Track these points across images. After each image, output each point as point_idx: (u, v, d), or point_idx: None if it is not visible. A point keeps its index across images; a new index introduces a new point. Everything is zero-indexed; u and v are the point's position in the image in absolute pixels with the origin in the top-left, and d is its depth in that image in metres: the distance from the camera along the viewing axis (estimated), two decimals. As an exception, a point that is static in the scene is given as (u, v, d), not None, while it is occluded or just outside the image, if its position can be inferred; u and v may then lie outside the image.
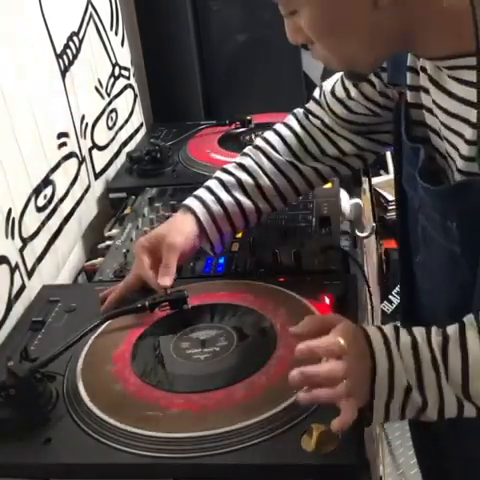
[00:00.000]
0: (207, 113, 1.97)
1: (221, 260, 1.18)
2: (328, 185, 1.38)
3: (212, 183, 1.12)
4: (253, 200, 1.10)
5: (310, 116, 1.15)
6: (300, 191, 1.14)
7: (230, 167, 1.13)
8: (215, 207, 1.08)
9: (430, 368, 0.76)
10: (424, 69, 0.84)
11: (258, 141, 1.15)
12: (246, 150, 1.15)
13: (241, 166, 1.12)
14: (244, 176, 1.11)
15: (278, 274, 1.10)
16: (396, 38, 0.78)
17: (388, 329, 0.79)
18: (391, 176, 2.52)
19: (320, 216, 1.26)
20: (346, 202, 1.35)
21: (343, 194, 1.37)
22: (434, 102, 0.83)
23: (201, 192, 1.11)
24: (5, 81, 1.14)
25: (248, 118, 1.73)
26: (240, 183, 1.10)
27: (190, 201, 1.10)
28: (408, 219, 0.97)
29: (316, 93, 1.16)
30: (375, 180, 2.31)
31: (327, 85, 1.13)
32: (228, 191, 1.10)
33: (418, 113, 0.88)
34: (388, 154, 2.53)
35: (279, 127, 1.16)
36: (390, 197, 2.38)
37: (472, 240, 0.79)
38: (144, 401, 0.85)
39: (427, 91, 0.85)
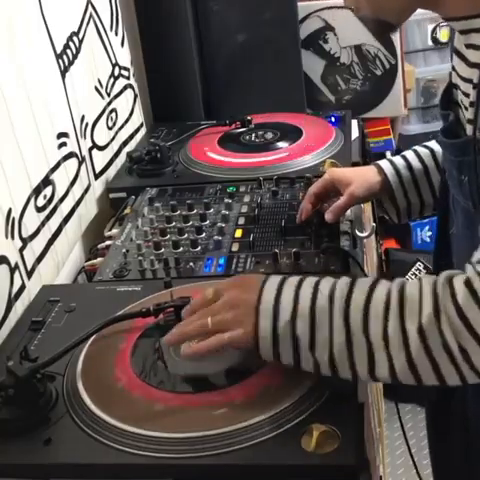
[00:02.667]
0: (207, 113, 1.97)
1: (221, 260, 1.18)
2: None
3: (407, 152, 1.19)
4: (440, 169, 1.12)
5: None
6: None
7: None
8: (404, 170, 1.16)
9: (325, 298, 0.78)
10: (455, 48, 0.89)
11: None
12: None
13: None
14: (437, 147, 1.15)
15: (278, 274, 1.10)
16: None
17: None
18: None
19: (320, 216, 1.26)
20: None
21: (343, 194, 1.37)
22: (456, 73, 0.88)
23: (395, 158, 1.20)
24: (5, 81, 1.14)
25: (248, 118, 1.73)
26: (433, 153, 1.16)
27: (381, 162, 1.19)
28: (447, 198, 0.99)
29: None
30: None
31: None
32: (420, 160, 1.16)
33: (454, 93, 0.92)
34: (388, 154, 2.53)
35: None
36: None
37: None
38: (144, 401, 0.85)
39: (454, 68, 0.90)
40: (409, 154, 1.19)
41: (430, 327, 0.73)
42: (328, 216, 1.19)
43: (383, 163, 1.19)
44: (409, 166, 1.17)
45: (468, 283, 0.73)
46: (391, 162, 1.19)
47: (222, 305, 0.84)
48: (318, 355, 0.78)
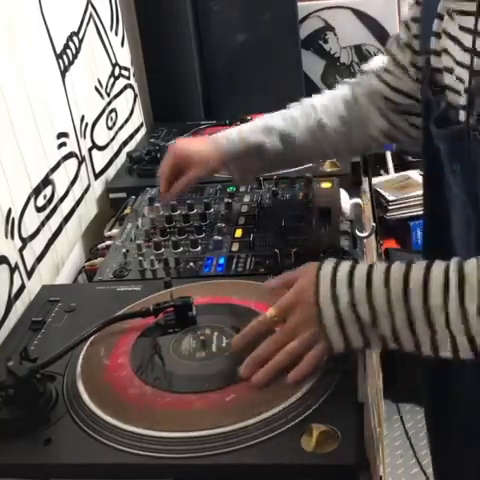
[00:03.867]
0: (207, 113, 1.97)
1: (221, 260, 1.18)
2: (328, 185, 1.39)
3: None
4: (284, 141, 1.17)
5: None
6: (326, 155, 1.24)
7: (277, 115, 1.23)
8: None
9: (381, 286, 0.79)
10: (445, 31, 0.87)
11: (314, 100, 1.21)
12: (304, 104, 1.21)
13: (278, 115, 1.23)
14: (279, 123, 1.19)
15: (278, 274, 1.10)
16: None
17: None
18: (391, 176, 2.52)
19: (320, 216, 1.26)
20: (346, 202, 1.35)
21: (343, 194, 1.37)
22: (452, 57, 0.86)
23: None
24: (5, 81, 1.14)
25: (248, 118, 1.72)
26: (273, 127, 1.19)
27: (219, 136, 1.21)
28: (437, 190, 0.99)
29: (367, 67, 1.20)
30: (375, 180, 2.31)
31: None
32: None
33: (440, 77, 0.91)
34: (388, 154, 2.53)
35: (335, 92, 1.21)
36: (390, 197, 2.38)
37: (473, 184, 0.82)
38: (144, 401, 0.85)
39: (446, 51, 0.88)
40: (245, 128, 1.21)
41: None
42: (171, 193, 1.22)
43: (219, 134, 1.22)
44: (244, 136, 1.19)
45: None
46: (226, 133, 1.21)
47: (295, 326, 0.84)
48: (382, 331, 0.79)
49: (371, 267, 0.81)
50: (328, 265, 0.83)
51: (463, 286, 0.76)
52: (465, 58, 0.83)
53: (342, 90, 1.19)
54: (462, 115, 0.84)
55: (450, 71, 0.88)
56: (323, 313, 0.81)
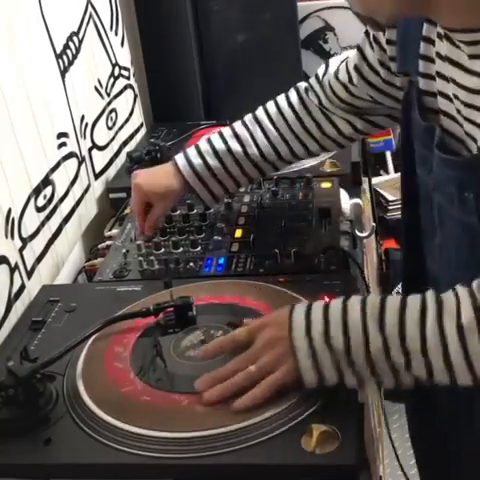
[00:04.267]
0: (207, 113, 1.97)
1: (221, 260, 1.18)
2: (328, 185, 1.39)
3: (203, 145, 1.21)
4: (241, 165, 1.19)
5: (310, 92, 1.19)
6: (286, 163, 1.23)
7: (225, 134, 1.21)
8: (201, 169, 1.19)
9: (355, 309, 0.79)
10: (440, 55, 0.85)
11: (258, 111, 1.22)
12: (245, 119, 1.22)
13: (235, 135, 1.20)
14: (235, 145, 1.19)
15: (278, 274, 1.10)
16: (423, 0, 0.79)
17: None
18: (391, 176, 2.52)
19: (320, 216, 1.26)
20: (346, 202, 1.35)
21: (343, 194, 1.37)
22: (455, 83, 0.84)
23: (189, 150, 1.21)
24: (5, 81, 1.14)
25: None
26: (229, 150, 1.19)
27: (177, 156, 1.21)
28: (419, 205, 0.99)
29: (320, 70, 1.19)
30: (375, 180, 2.31)
31: (333, 64, 1.16)
32: (217, 157, 1.19)
33: (430, 101, 0.90)
34: (388, 154, 2.53)
35: (280, 99, 1.21)
36: (390, 197, 2.38)
37: None
38: (144, 401, 0.85)
39: (443, 77, 0.86)
40: (204, 147, 1.21)
41: (470, 326, 0.74)
42: (146, 231, 1.24)
43: (179, 160, 1.20)
44: (206, 165, 1.19)
45: None
46: (188, 161, 1.20)
47: (261, 349, 0.83)
48: (356, 361, 0.78)
49: (346, 299, 0.81)
50: (302, 305, 0.84)
51: (441, 307, 0.76)
52: (474, 83, 0.80)
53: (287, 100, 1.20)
54: (469, 143, 0.82)
55: (447, 96, 0.86)
56: (296, 345, 0.80)
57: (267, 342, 0.83)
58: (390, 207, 2.35)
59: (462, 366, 0.75)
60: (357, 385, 0.80)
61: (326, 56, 2.12)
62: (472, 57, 0.80)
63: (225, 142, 1.20)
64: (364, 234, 1.30)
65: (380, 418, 1.44)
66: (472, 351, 0.75)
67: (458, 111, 0.85)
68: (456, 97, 0.85)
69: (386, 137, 2.27)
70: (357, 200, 1.37)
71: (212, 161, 1.19)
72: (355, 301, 0.81)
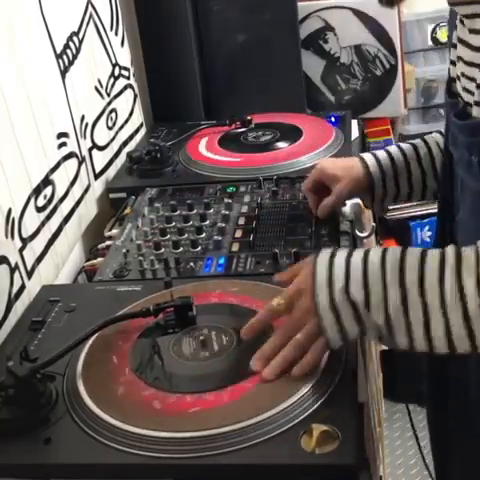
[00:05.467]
0: (207, 113, 1.97)
1: (221, 260, 1.18)
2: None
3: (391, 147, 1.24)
4: (423, 166, 1.19)
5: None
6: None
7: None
8: (385, 162, 1.20)
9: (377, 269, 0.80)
10: (459, 39, 0.90)
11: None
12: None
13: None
14: (421, 144, 1.21)
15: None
16: None
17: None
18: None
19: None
20: (346, 202, 1.35)
21: (343, 194, 1.37)
22: (462, 61, 0.88)
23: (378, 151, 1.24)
24: (5, 81, 1.14)
25: (248, 118, 1.73)
26: (415, 147, 1.20)
27: (365, 155, 1.23)
28: (453, 182, 1.00)
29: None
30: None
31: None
32: (402, 153, 1.20)
33: (455, 86, 0.93)
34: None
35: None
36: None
37: None
38: (144, 401, 0.85)
39: (460, 58, 0.90)
40: (392, 148, 1.23)
41: None
42: (319, 214, 1.24)
43: (366, 156, 1.22)
44: (391, 158, 1.20)
45: None
46: (374, 155, 1.22)
47: (302, 317, 0.85)
48: (375, 317, 0.80)
49: (368, 251, 0.83)
50: (326, 253, 0.85)
51: (460, 263, 0.77)
52: (474, 57, 0.85)
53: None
54: (476, 111, 0.85)
55: (458, 79, 0.91)
56: (318, 303, 0.82)
57: (306, 310, 0.84)
58: (390, 207, 2.34)
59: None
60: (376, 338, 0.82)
61: (326, 56, 2.12)
62: (471, 32, 0.84)
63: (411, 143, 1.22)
64: (364, 234, 1.30)
65: (380, 418, 1.43)
66: None
67: (464, 86, 0.89)
68: (460, 77, 0.89)
69: (386, 137, 2.27)
70: (357, 200, 1.37)
71: (397, 155, 1.20)
72: (375, 254, 0.82)
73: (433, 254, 0.80)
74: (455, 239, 0.99)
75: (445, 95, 0.98)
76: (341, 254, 0.84)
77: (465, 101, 0.90)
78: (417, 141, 1.22)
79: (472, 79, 0.86)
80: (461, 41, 0.89)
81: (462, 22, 0.88)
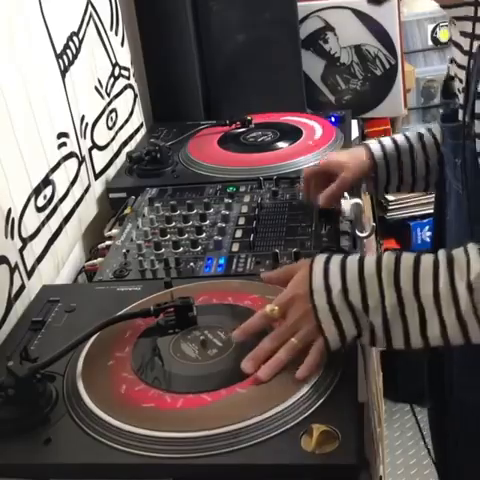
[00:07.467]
0: (207, 113, 1.97)
1: (221, 260, 1.18)
2: (328, 185, 1.39)
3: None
4: (427, 151, 1.20)
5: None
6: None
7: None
8: (390, 150, 1.21)
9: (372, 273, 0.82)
10: (451, 39, 0.92)
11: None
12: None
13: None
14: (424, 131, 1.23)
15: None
16: None
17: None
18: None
19: (320, 216, 1.26)
20: (346, 202, 1.35)
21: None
22: (456, 63, 0.90)
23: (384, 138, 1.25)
24: (5, 81, 1.14)
25: (248, 118, 1.73)
26: (420, 135, 1.22)
27: (370, 142, 1.25)
28: (445, 182, 1.02)
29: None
30: (375, 180, 2.31)
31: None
32: (408, 141, 1.22)
33: (452, 84, 0.95)
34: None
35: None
36: (390, 197, 2.38)
37: (468, 178, 0.87)
38: (144, 401, 0.85)
39: (454, 61, 0.92)
40: (398, 136, 1.24)
41: (478, 284, 0.77)
42: (321, 202, 1.23)
43: (372, 143, 1.23)
44: (396, 146, 1.22)
45: None
46: (379, 141, 1.23)
47: (296, 322, 0.86)
48: (372, 318, 0.81)
49: (362, 257, 0.85)
50: (321, 258, 0.86)
51: (452, 265, 0.79)
52: (464, 60, 0.86)
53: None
54: (461, 114, 0.87)
55: (454, 77, 0.92)
56: (317, 306, 0.83)
57: (303, 315, 0.85)
58: (390, 207, 2.34)
59: (474, 323, 0.78)
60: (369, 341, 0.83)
61: (326, 56, 2.12)
62: (462, 34, 0.85)
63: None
64: (364, 234, 1.30)
65: (380, 418, 1.43)
66: None
67: (458, 88, 0.90)
68: (456, 77, 0.90)
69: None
70: (357, 200, 1.37)
71: (402, 143, 1.21)
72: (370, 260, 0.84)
73: (427, 258, 0.82)
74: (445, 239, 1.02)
75: (440, 95, 0.99)
76: (336, 258, 0.86)
77: (455, 103, 0.92)
78: (422, 130, 1.24)
79: (461, 81, 0.87)
80: (455, 43, 0.90)
81: (453, 23, 0.89)
